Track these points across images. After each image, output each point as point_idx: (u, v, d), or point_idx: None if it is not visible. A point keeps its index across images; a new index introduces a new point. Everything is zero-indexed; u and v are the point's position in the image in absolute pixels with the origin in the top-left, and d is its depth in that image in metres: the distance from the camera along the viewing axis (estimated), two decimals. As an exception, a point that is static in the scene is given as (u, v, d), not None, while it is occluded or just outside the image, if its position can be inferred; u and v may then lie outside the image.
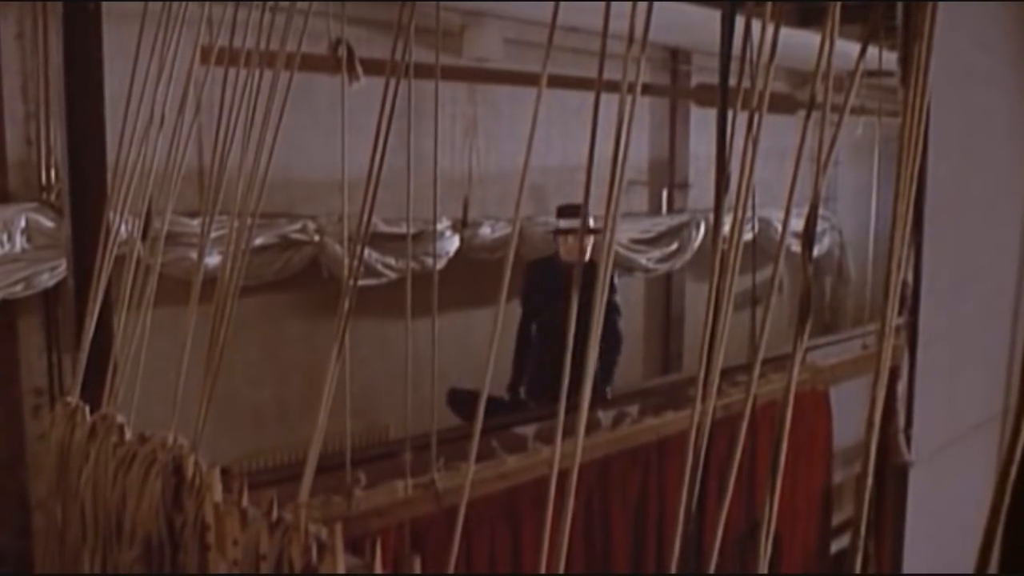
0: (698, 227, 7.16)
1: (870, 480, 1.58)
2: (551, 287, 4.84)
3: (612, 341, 4.98)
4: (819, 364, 4.43)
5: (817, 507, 4.36)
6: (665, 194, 7.38)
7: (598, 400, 4.35)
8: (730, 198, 2.00)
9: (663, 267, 7.05)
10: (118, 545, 2.18)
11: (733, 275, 1.84)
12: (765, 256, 5.09)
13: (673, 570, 1.56)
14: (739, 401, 1.89)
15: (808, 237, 1.82)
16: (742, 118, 2.02)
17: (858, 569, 1.53)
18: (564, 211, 5.17)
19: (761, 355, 1.71)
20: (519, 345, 4.98)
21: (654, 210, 7.36)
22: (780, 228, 6.12)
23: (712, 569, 1.54)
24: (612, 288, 4.82)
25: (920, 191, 1.78)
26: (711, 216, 6.78)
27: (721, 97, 3.14)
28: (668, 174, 7.42)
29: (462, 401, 4.33)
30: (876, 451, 1.58)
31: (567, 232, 5.01)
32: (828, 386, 4.40)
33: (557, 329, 4.24)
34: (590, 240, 4.73)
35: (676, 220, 7.18)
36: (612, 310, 4.90)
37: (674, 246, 7.06)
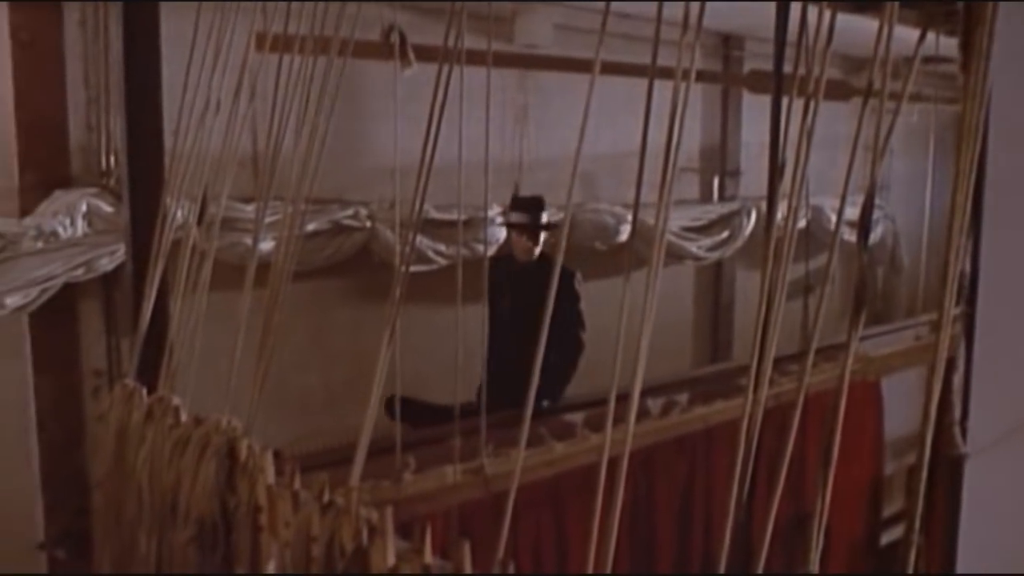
0: (749, 215, 7.09)
1: (925, 472, 1.56)
2: (502, 287, 4.53)
3: (569, 350, 4.53)
4: (871, 354, 4.38)
5: (866, 499, 4.31)
6: (716, 181, 7.32)
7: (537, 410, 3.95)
8: (784, 186, 1.98)
9: (713, 255, 7.00)
10: (173, 525, 2.22)
11: (787, 264, 1.82)
12: (816, 244, 5.05)
13: (723, 560, 1.55)
14: (789, 391, 1.88)
15: (864, 226, 1.80)
16: (796, 105, 2.00)
17: (911, 563, 1.51)
18: (517, 204, 4.77)
19: (815, 344, 1.70)
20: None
21: (705, 198, 7.30)
22: (832, 216, 6.13)
23: (763, 560, 1.53)
24: (575, 297, 4.46)
25: (979, 180, 1.75)
26: (763, 204, 6.71)
27: (776, 83, 3.11)
28: (719, 161, 7.35)
29: (407, 410, 4.18)
30: (931, 443, 1.56)
31: (519, 227, 4.62)
32: (879, 377, 4.35)
33: (504, 332, 4.15)
34: (541, 237, 4.53)
35: (727, 208, 7.11)
36: (573, 320, 4.50)
37: (725, 234, 7.01)
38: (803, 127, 1.84)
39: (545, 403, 4.28)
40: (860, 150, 1.72)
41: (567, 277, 4.26)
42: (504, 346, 4.36)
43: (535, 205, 4.63)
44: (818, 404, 1.68)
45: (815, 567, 1.51)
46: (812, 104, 1.82)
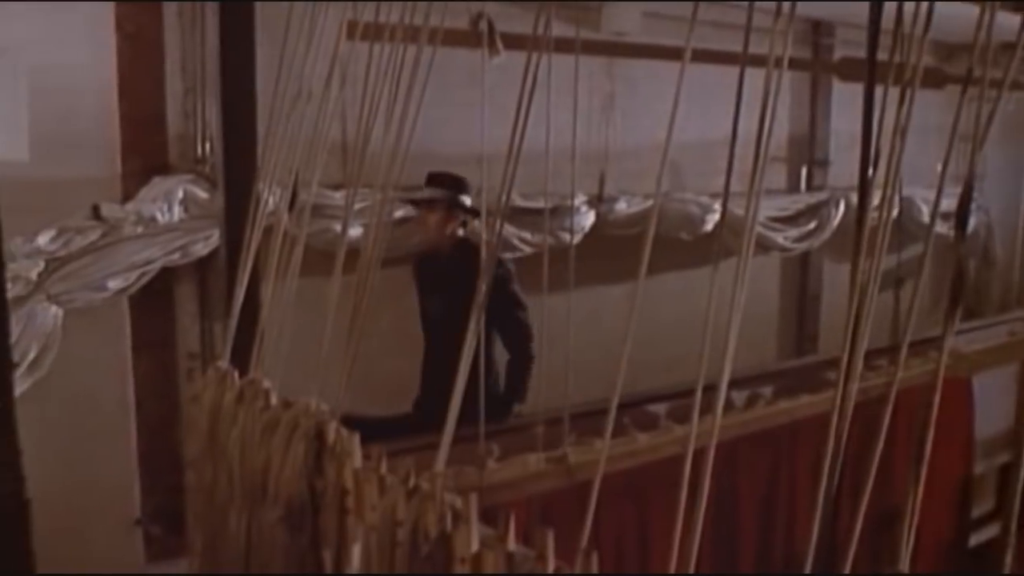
0: (837, 206, 6.93)
1: (1023, 471, 1.51)
2: (424, 282, 4.14)
3: (516, 343, 4.00)
4: (962, 350, 4.23)
5: (955, 498, 4.19)
6: (804, 171, 7.17)
7: (499, 418, 3.56)
8: (877, 176, 1.94)
9: (800, 246, 6.86)
10: (262, 505, 2.27)
11: (880, 256, 1.78)
12: (907, 236, 4.90)
13: (809, 557, 1.53)
14: (876, 386, 1.84)
15: (961, 217, 1.75)
16: (887, 92, 1.95)
17: (1006, 564, 1.47)
18: (431, 179, 4.02)
19: (908, 338, 1.66)
20: None
21: (792, 188, 7.16)
22: (923, 208, 5.95)
23: (850, 558, 1.50)
24: (512, 301, 3.91)
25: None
26: (852, 195, 6.55)
27: (869, 71, 3.03)
28: (807, 151, 7.20)
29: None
30: (1030, 443, 1.50)
31: (425, 205, 3.96)
32: (971, 374, 4.21)
33: (428, 333, 3.87)
34: (458, 220, 3.98)
35: (815, 198, 6.97)
36: (511, 302, 3.94)
37: (812, 225, 6.86)
38: (899, 116, 1.79)
39: (514, 404, 3.95)
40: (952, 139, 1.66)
41: (500, 277, 3.64)
42: (432, 355, 4.15)
43: (453, 182, 3.97)
44: (906, 400, 1.64)
45: (905, 566, 1.48)
46: (908, 93, 1.77)
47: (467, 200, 3.99)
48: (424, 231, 4.02)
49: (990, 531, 4.22)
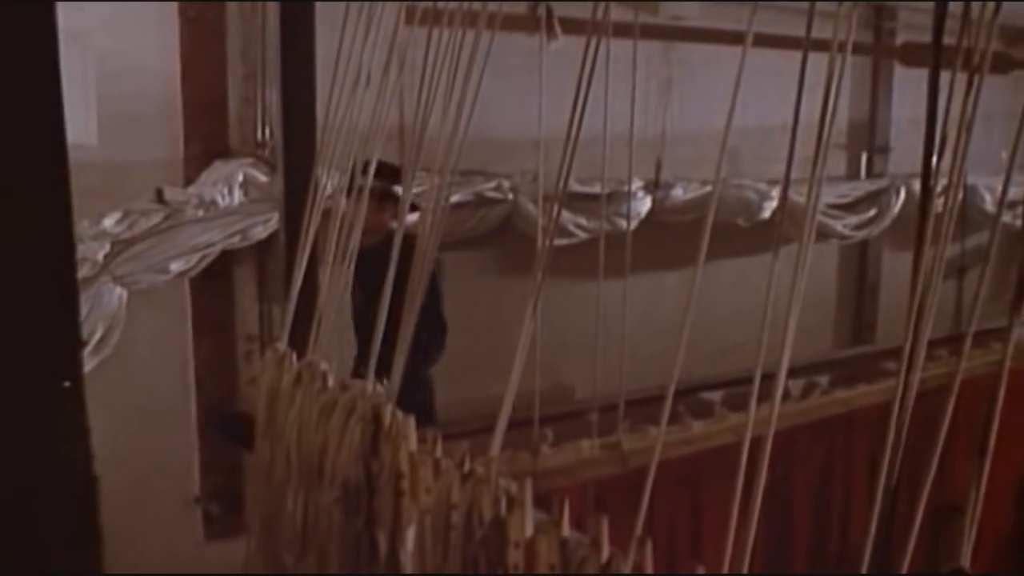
0: (898, 193, 6.80)
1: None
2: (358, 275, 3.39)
3: (434, 336, 4.04)
4: (1024, 342, 4.12)
5: (1016, 494, 4.10)
6: (864, 158, 7.05)
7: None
8: (941, 163, 1.90)
9: (859, 234, 6.75)
10: (319, 486, 2.30)
11: (945, 244, 1.75)
12: (969, 225, 4.80)
13: (867, 550, 1.51)
14: (936, 376, 1.80)
15: (1031, 207, 1.71)
16: (954, 78, 1.91)
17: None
18: (380, 170, 3.21)
19: (973, 328, 1.62)
20: None
21: (852, 175, 7.04)
22: (987, 196, 5.79)
23: (910, 552, 1.48)
24: (438, 272, 3.72)
25: None
26: (912, 182, 6.43)
27: (934, 56, 2.96)
28: (867, 137, 7.07)
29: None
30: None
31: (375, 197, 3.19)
32: (1033, 367, 4.11)
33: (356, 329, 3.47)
34: (389, 212, 3.70)
35: (875, 185, 6.84)
36: (437, 296, 3.92)
37: (871, 212, 6.74)
38: (966, 102, 1.75)
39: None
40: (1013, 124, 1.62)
41: (433, 273, 3.28)
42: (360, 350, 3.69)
43: (389, 171, 3.25)
44: (965, 392, 1.61)
45: (967, 561, 1.46)
46: (976, 79, 1.73)
47: (398, 190, 3.46)
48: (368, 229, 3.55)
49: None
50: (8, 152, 1.40)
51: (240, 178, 4.31)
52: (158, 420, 4.39)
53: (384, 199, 3.66)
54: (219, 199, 4.24)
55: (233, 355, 4.60)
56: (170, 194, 4.18)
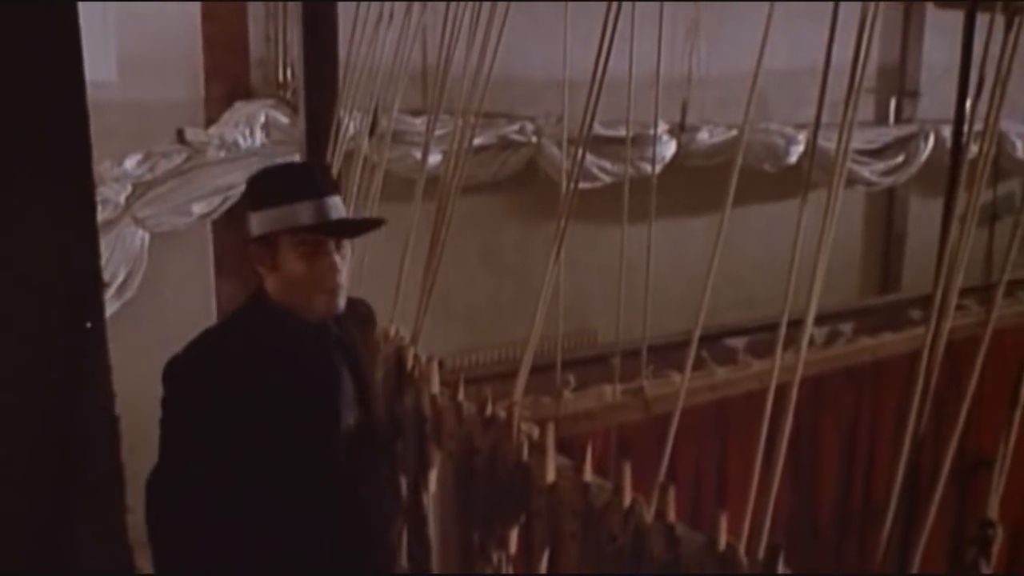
0: (927, 139, 6.67)
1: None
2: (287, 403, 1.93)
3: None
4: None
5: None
6: (893, 103, 6.91)
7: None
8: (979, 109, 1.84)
9: (887, 181, 6.64)
10: (342, 429, 2.31)
11: (979, 191, 1.71)
12: (998, 172, 4.69)
13: (893, 500, 1.50)
14: (962, 326, 1.77)
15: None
16: (986, 20, 1.85)
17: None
18: (281, 184, 1.95)
19: (1006, 278, 1.59)
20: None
21: (880, 120, 6.92)
22: (1017, 143, 5.65)
23: (936, 502, 1.47)
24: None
25: None
26: (943, 128, 6.30)
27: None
28: (898, 81, 6.93)
29: None
30: None
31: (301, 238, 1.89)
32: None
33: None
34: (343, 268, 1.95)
35: (904, 131, 6.71)
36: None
37: (900, 159, 6.62)
38: (1005, 45, 1.70)
39: None
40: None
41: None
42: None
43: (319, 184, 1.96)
44: (993, 342, 1.59)
45: (994, 512, 1.44)
46: (1017, 20, 1.68)
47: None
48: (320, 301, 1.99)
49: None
50: (26, 90, 1.38)
51: (262, 119, 4.28)
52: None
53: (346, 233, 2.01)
54: (241, 140, 4.21)
55: (256, 298, 4.61)
56: (191, 135, 4.16)
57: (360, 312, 2.15)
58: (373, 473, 2.04)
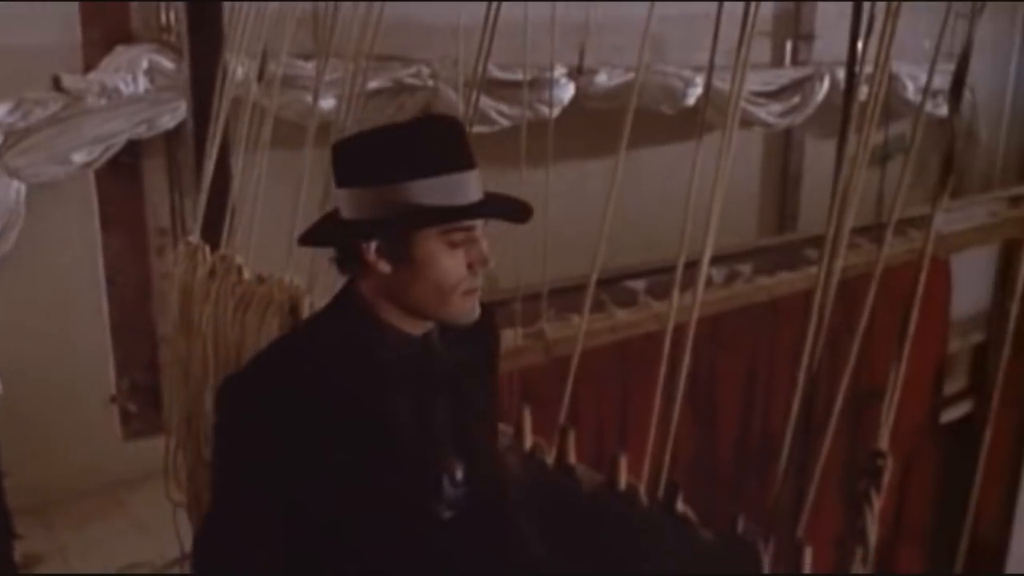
0: (822, 81, 6.82)
1: (1007, 349, 1.51)
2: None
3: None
4: (941, 231, 4.20)
5: (930, 377, 4.25)
6: (789, 45, 7.03)
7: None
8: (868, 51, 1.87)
9: (783, 122, 6.78)
10: (238, 381, 2.26)
11: (870, 132, 1.73)
12: (890, 113, 4.82)
13: (788, 435, 1.53)
14: (855, 265, 1.82)
15: (956, 93, 1.70)
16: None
17: (985, 440, 1.47)
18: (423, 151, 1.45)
19: (896, 216, 1.62)
20: None
21: (776, 62, 7.03)
22: (908, 84, 5.77)
23: (830, 435, 1.51)
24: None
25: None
26: (837, 70, 6.44)
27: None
28: (793, 24, 7.05)
29: None
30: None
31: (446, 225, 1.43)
32: (948, 254, 4.20)
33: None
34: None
35: (800, 73, 6.84)
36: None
37: (795, 100, 6.76)
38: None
39: None
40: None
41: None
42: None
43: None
44: (884, 280, 1.62)
45: (884, 443, 1.48)
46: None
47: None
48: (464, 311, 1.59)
49: (961, 408, 4.29)
50: None
51: (144, 64, 4.11)
52: (69, 318, 4.28)
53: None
54: (122, 87, 4.04)
55: (145, 250, 4.46)
56: (68, 81, 3.97)
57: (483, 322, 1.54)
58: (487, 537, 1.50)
